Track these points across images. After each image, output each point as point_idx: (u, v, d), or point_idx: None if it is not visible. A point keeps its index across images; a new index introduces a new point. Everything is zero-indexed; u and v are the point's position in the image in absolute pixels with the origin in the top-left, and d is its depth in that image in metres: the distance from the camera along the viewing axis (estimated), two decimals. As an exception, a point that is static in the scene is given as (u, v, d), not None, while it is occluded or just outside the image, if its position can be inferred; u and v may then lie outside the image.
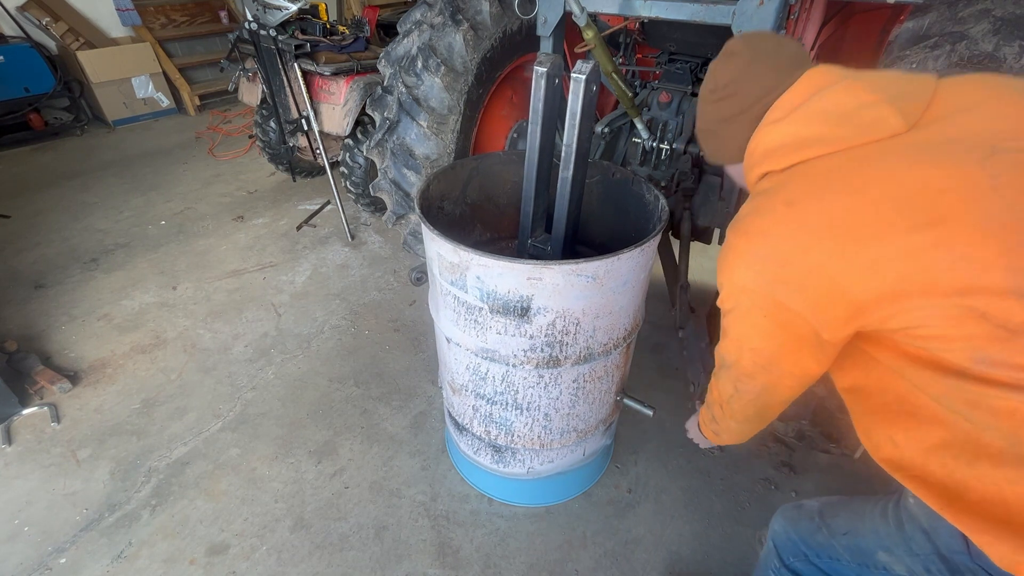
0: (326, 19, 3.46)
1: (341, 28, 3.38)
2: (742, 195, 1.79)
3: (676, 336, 1.72)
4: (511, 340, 1.36)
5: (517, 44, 2.29)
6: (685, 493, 1.91)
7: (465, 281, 1.31)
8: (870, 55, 2.27)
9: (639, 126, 2.00)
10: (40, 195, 4.06)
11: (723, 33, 1.63)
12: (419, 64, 2.10)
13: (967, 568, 0.81)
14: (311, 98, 3.16)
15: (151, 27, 5.78)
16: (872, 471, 2.04)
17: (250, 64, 3.45)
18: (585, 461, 1.81)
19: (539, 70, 1.26)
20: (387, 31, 4.67)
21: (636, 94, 2.27)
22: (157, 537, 1.77)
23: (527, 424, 1.58)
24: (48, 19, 5.01)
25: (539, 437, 1.62)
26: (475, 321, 1.37)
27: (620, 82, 1.82)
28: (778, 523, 1.19)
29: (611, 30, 1.95)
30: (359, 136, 3.19)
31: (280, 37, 2.94)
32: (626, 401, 1.65)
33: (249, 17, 2.95)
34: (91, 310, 2.83)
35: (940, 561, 0.85)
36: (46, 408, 2.22)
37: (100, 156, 4.79)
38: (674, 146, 2.01)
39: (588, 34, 1.59)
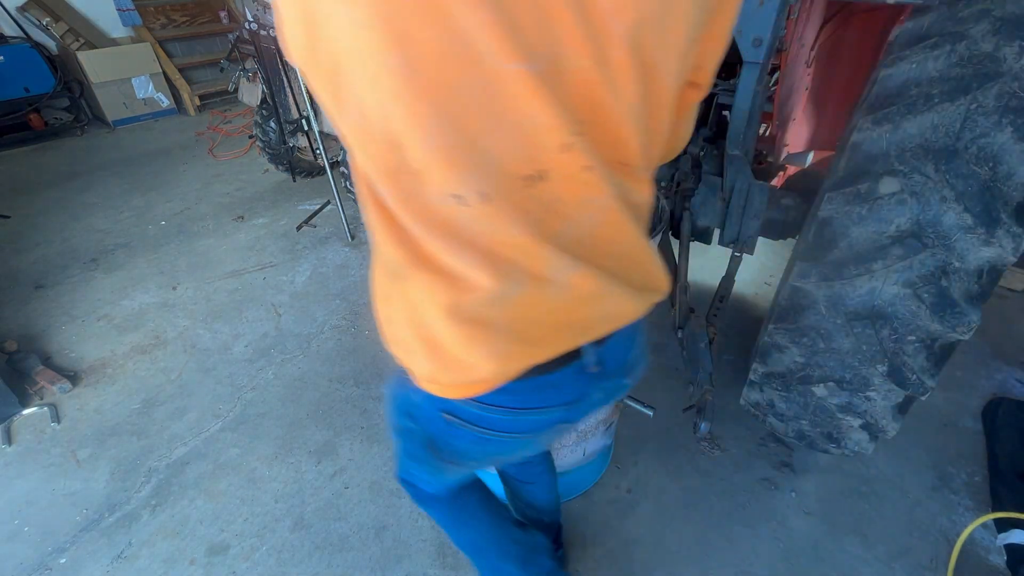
0: (326, 19, 3.46)
1: (341, 28, 3.37)
2: (742, 195, 1.79)
3: (676, 336, 1.72)
4: (511, 340, 1.35)
5: (517, 44, 2.29)
6: (685, 493, 1.91)
7: (465, 281, 1.30)
8: (870, 55, 2.27)
9: (639, 126, 1.99)
10: (40, 195, 4.07)
11: (723, 33, 1.63)
12: (419, 64, 2.10)
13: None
14: (311, 98, 3.16)
15: (151, 27, 5.78)
16: (872, 472, 2.03)
17: (250, 64, 3.45)
18: (585, 461, 1.81)
19: (539, 70, 1.25)
20: (387, 31, 4.67)
21: (636, 94, 2.26)
22: (157, 537, 1.77)
23: (527, 424, 1.58)
24: (48, 19, 5.01)
25: (539, 437, 1.62)
26: (475, 321, 1.37)
27: (620, 82, 1.81)
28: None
29: None
30: (359, 136, 3.18)
31: (280, 37, 2.94)
32: (626, 401, 1.65)
33: (249, 17, 2.95)
34: (91, 310, 2.83)
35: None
36: (46, 408, 2.22)
37: (100, 156, 4.79)
38: None
39: (588, 34, 1.59)
